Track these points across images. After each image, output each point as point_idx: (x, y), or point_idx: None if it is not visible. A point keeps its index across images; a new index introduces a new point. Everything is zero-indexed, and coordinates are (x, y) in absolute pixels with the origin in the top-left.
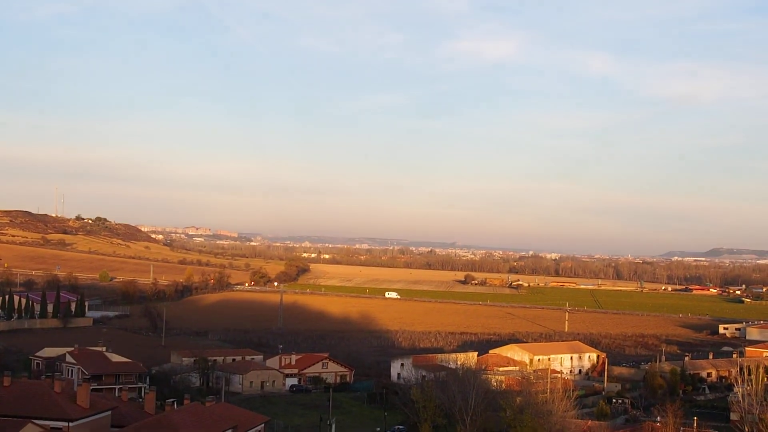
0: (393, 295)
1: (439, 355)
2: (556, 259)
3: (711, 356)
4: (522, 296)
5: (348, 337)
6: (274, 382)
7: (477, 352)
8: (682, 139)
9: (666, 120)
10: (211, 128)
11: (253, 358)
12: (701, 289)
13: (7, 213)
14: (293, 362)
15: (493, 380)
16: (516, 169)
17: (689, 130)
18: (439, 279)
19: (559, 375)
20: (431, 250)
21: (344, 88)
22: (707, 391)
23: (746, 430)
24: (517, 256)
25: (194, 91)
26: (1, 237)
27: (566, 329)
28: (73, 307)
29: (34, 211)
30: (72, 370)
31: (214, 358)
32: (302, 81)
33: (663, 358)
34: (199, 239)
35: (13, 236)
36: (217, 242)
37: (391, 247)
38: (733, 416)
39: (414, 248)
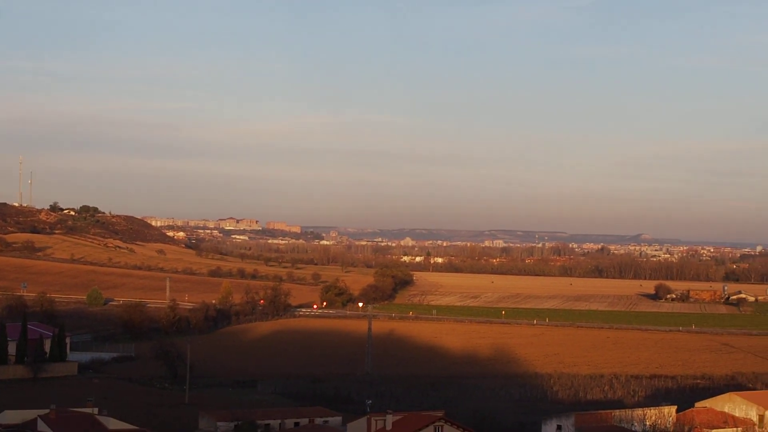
0: None
1: (617, 412)
2: None
3: None
4: (746, 317)
5: (475, 386)
6: None
7: (676, 407)
8: None
9: None
10: (262, 64)
11: (326, 421)
12: None
13: None
14: (389, 426)
15: None
16: (736, 118)
17: None
18: (615, 292)
19: None
20: (602, 248)
21: None
22: None
23: None
24: (738, 255)
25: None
26: None
27: None
28: (47, 346)
29: None
30: None
31: (267, 421)
32: None
33: None
34: (242, 237)
35: None
36: (270, 242)
37: (539, 245)
38: None
39: (576, 245)
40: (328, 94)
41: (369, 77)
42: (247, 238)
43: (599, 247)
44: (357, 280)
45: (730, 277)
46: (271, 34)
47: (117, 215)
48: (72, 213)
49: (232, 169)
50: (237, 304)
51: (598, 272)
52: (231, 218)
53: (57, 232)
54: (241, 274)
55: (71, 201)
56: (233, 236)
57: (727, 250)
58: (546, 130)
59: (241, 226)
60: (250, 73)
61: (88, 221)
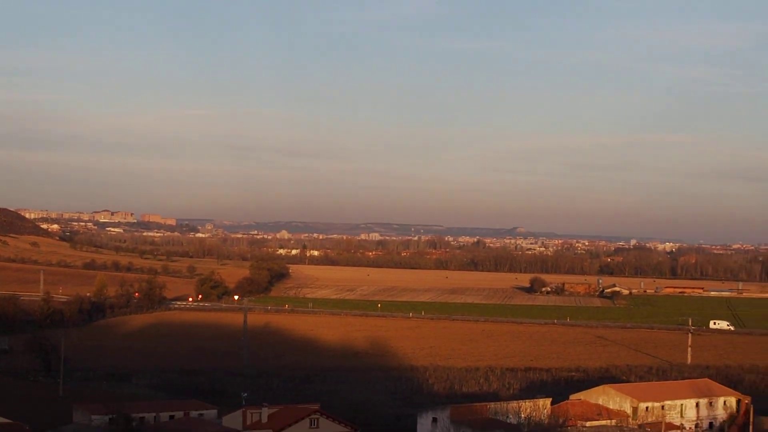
0: (722, 325)
1: (492, 405)
2: (672, 251)
3: None
4: (620, 310)
5: (350, 379)
6: None
7: (551, 399)
8: None
9: None
10: (140, 56)
11: (202, 414)
12: None
13: None
14: (265, 419)
15: None
16: (612, 113)
17: None
18: (490, 285)
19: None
20: (478, 241)
21: None
22: None
23: None
24: (613, 248)
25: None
26: None
27: (689, 360)
28: None
29: None
30: None
31: (141, 415)
32: None
33: None
34: (117, 230)
35: None
36: (145, 234)
37: (416, 238)
38: None
39: (451, 238)
40: (203, 87)
41: (246, 70)
42: (122, 230)
43: (475, 240)
44: (233, 273)
45: (605, 270)
46: (148, 26)
47: None
48: None
49: (107, 162)
50: (112, 297)
51: (474, 265)
52: (106, 211)
53: None
54: (116, 266)
55: None
56: (108, 229)
57: (602, 243)
58: (423, 124)
59: (116, 219)
60: (127, 65)
61: None
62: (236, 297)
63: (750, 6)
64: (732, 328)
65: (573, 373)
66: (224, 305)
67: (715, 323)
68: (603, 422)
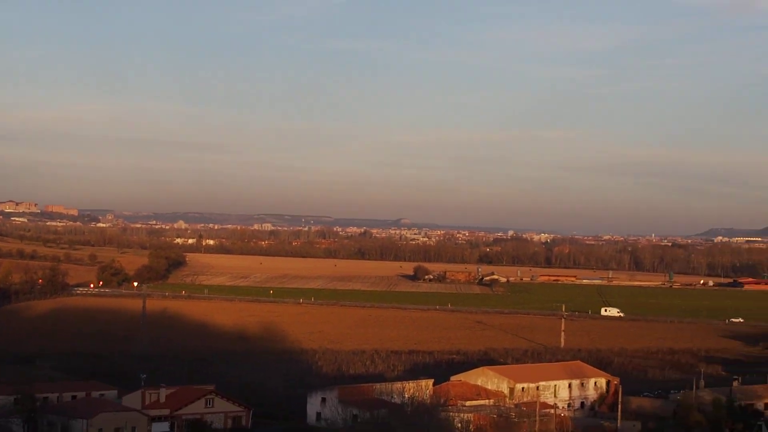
0: (613, 312)
1: (378, 386)
2: (547, 241)
3: None
4: (498, 297)
5: (244, 361)
6: (134, 428)
7: (433, 380)
8: (733, 66)
9: (711, 38)
10: (40, 51)
11: (102, 395)
12: (756, 283)
13: None
14: (163, 399)
15: (457, 420)
16: (491, 110)
17: (745, 53)
18: (376, 273)
19: (552, 411)
20: (365, 231)
21: None
22: (765, 429)
23: None
24: (491, 239)
25: None
26: None
27: (562, 344)
28: None
29: None
30: None
31: (45, 395)
32: None
33: (702, 383)
34: (22, 220)
35: None
36: (48, 224)
37: (306, 228)
38: None
39: (340, 228)
40: (102, 82)
41: (143, 66)
42: (26, 220)
43: (362, 230)
44: (132, 261)
45: (484, 259)
46: (50, 20)
47: None
48: None
49: (11, 154)
50: (16, 283)
51: (361, 254)
52: (10, 201)
53: None
54: (21, 254)
55: None
56: (12, 218)
57: (481, 234)
58: (312, 120)
59: (20, 209)
60: (29, 59)
61: None
62: (135, 284)
63: (613, 9)
64: (622, 314)
65: (454, 356)
66: (124, 291)
67: (606, 310)
68: (482, 402)
